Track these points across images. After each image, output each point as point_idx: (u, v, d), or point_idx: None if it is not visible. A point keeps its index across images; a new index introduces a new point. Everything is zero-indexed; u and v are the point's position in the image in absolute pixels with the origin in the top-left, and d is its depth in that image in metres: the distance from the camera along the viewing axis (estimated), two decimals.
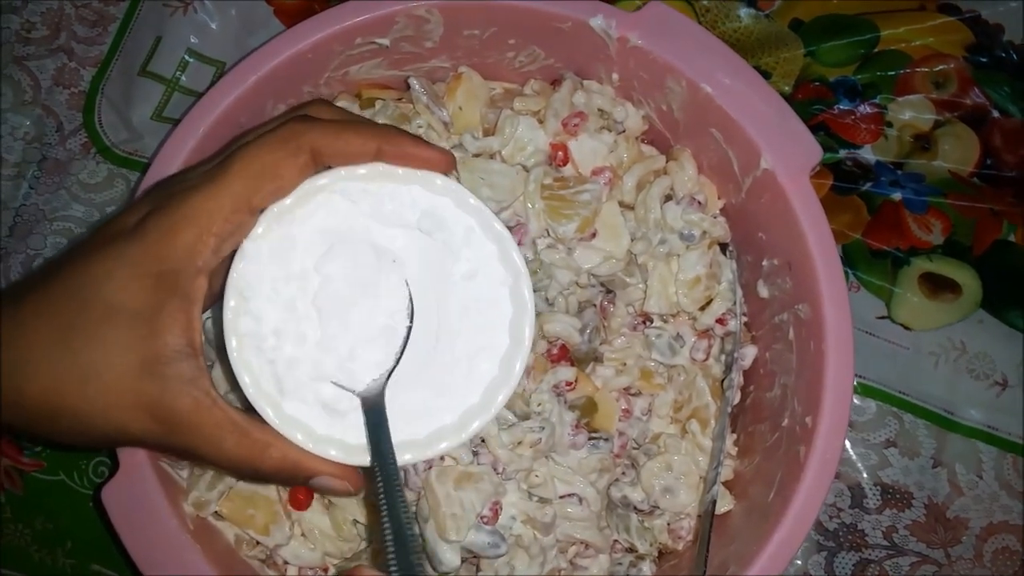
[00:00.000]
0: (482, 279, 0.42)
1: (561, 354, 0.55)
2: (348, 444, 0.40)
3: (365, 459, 0.39)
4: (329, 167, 0.41)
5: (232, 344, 0.39)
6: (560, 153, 0.56)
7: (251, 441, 0.38)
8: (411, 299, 0.42)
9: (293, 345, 0.40)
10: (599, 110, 0.57)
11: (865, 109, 0.69)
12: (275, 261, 0.40)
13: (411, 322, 0.42)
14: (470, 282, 0.42)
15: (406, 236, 0.42)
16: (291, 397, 0.39)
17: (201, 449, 0.38)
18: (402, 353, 0.41)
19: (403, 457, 0.40)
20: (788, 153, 0.51)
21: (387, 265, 0.42)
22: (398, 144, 0.40)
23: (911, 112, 0.69)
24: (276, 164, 0.38)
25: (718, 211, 0.58)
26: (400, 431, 0.40)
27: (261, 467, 0.39)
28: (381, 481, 0.37)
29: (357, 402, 0.40)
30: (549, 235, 0.54)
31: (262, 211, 0.39)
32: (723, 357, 0.57)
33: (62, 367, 0.37)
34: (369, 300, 0.41)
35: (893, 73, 0.69)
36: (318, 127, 0.39)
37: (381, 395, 0.40)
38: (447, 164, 0.42)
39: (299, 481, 0.40)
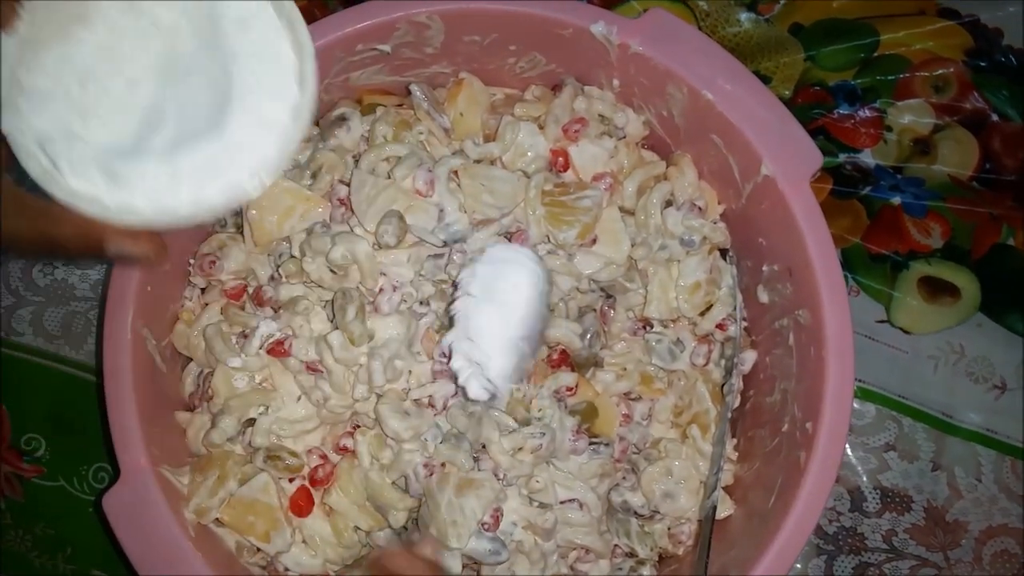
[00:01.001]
0: (258, 26, 0.41)
1: (561, 359, 0.55)
2: (142, 210, 0.39)
3: (161, 220, 0.39)
4: None
5: (10, 132, 0.39)
6: (561, 159, 0.56)
7: (42, 215, 0.39)
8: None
9: (75, 124, 0.40)
10: (600, 116, 0.57)
11: (865, 113, 0.69)
12: (48, 55, 0.39)
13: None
14: (245, 31, 0.41)
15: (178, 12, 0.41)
16: (74, 174, 0.39)
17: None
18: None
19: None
20: (789, 159, 0.51)
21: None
22: None
23: (910, 116, 0.69)
24: None
25: (718, 217, 0.58)
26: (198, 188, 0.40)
27: (55, 238, 0.39)
28: None
29: (141, 170, 0.40)
30: (549, 241, 0.54)
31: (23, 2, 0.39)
32: (723, 362, 0.57)
33: None
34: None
35: (893, 77, 0.70)
36: None
37: None
38: None
39: (94, 249, 0.40)
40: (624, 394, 0.56)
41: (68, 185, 0.40)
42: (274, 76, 0.41)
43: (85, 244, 0.40)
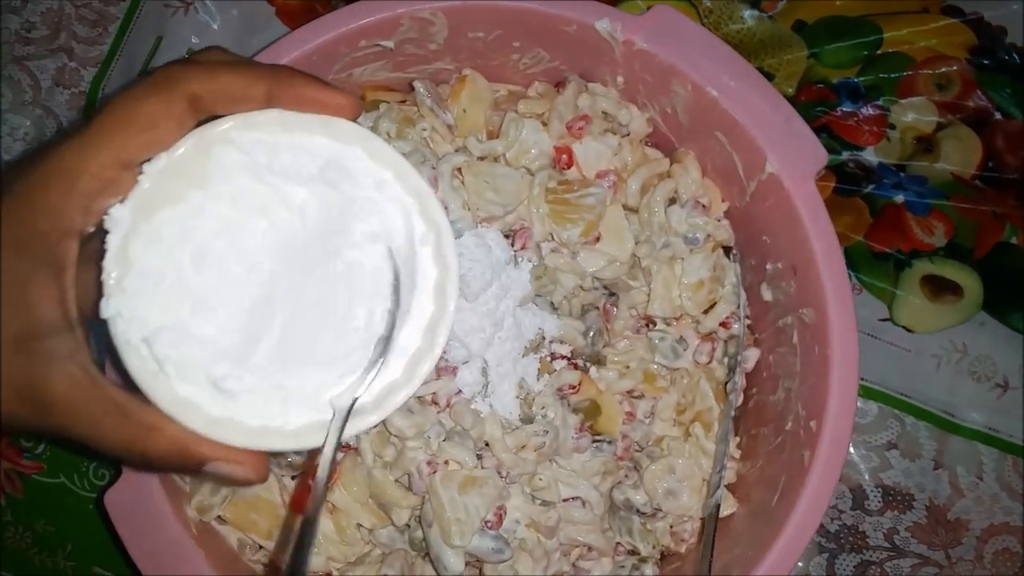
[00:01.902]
0: (400, 237, 0.38)
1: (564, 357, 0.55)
2: (247, 426, 0.36)
3: (265, 443, 0.36)
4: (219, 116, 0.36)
5: (112, 319, 0.35)
6: (564, 156, 0.55)
7: (134, 423, 0.34)
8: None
9: (191, 318, 0.36)
10: (603, 113, 0.57)
11: (868, 111, 0.69)
12: (165, 224, 0.35)
13: (392, 316, 0.37)
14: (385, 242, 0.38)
15: (307, 191, 0.37)
16: (181, 377, 0.35)
17: (79, 431, 0.34)
18: (378, 363, 0.37)
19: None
20: (793, 157, 0.51)
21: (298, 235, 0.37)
22: (292, 86, 0.36)
23: (914, 114, 0.69)
24: (149, 113, 0.34)
25: (722, 214, 0.58)
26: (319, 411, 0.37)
27: (146, 451, 0.35)
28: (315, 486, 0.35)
29: (251, 382, 0.36)
30: (553, 239, 0.54)
31: (144, 165, 0.35)
32: (726, 360, 0.57)
33: None
34: (297, 277, 0.36)
35: (896, 75, 0.69)
36: (196, 69, 0.35)
37: (351, 407, 0.37)
38: (353, 109, 0.37)
39: (191, 467, 0.36)
40: (627, 392, 0.56)
41: (172, 389, 0.35)
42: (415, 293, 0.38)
43: (179, 461, 0.35)
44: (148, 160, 0.35)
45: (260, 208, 0.37)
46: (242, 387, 0.36)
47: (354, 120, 0.37)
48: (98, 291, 0.35)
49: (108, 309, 0.35)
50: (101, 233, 0.35)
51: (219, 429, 0.35)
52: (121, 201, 0.35)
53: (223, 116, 0.36)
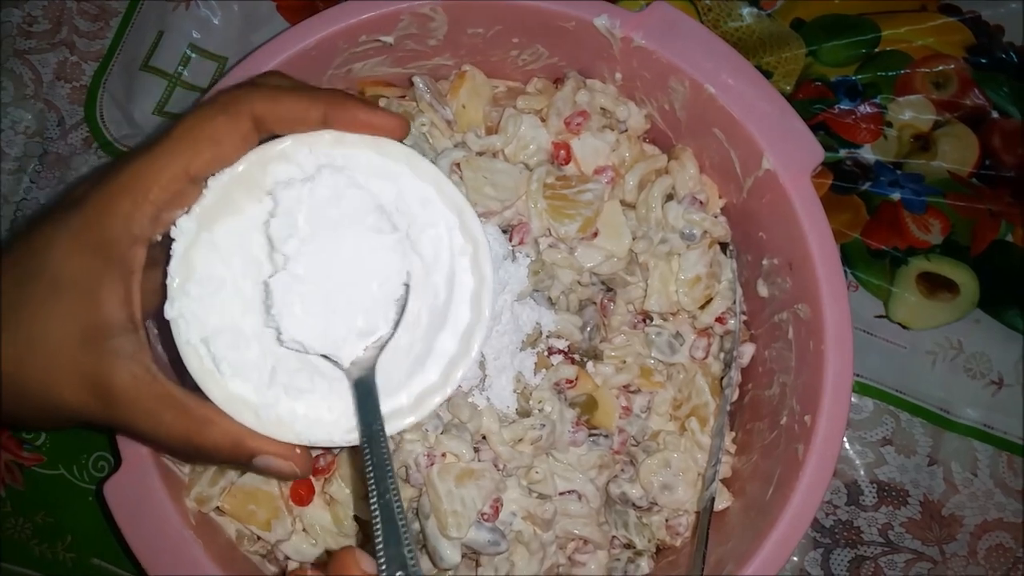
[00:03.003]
0: (442, 250, 0.41)
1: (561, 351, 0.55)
2: (295, 423, 0.38)
3: (310, 439, 0.38)
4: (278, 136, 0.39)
5: (175, 320, 0.38)
6: (563, 152, 0.56)
7: (191, 417, 0.37)
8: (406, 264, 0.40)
9: (243, 319, 0.39)
10: (602, 109, 0.57)
11: (865, 109, 0.69)
12: (224, 234, 0.38)
13: (407, 287, 0.40)
14: (428, 250, 0.41)
15: (353, 204, 0.40)
16: (237, 375, 0.38)
17: (140, 424, 0.37)
18: (399, 322, 0.40)
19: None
20: (790, 154, 0.51)
21: (357, 228, 0.39)
22: (346, 109, 0.39)
23: (911, 112, 0.69)
24: (215, 130, 0.37)
25: (719, 210, 0.58)
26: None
27: (201, 444, 0.37)
28: (371, 462, 0.36)
29: (309, 383, 0.39)
30: (551, 234, 0.54)
31: (208, 180, 0.38)
32: (722, 355, 0.58)
33: (12, 340, 0.36)
34: (345, 264, 0.39)
35: (893, 73, 0.70)
36: (259, 92, 0.38)
37: (372, 369, 0.39)
38: (401, 130, 0.40)
39: (242, 460, 0.39)
40: (623, 387, 0.56)
41: (226, 387, 0.38)
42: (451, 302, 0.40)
43: (231, 453, 0.38)
44: (213, 174, 0.38)
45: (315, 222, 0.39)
46: (296, 387, 0.39)
47: (402, 140, 0.40)
48: (162, 295, 0.38)
49: (171, 311, 0.37)
50: (166, 241, 0.38)
51: (269, 425, 0.38)
52: (187, 212, 0.38)
53: (282, 135, 0.39)
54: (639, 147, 0.58)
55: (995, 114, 0.69)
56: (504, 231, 0.54)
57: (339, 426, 0.39)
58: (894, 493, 0.63)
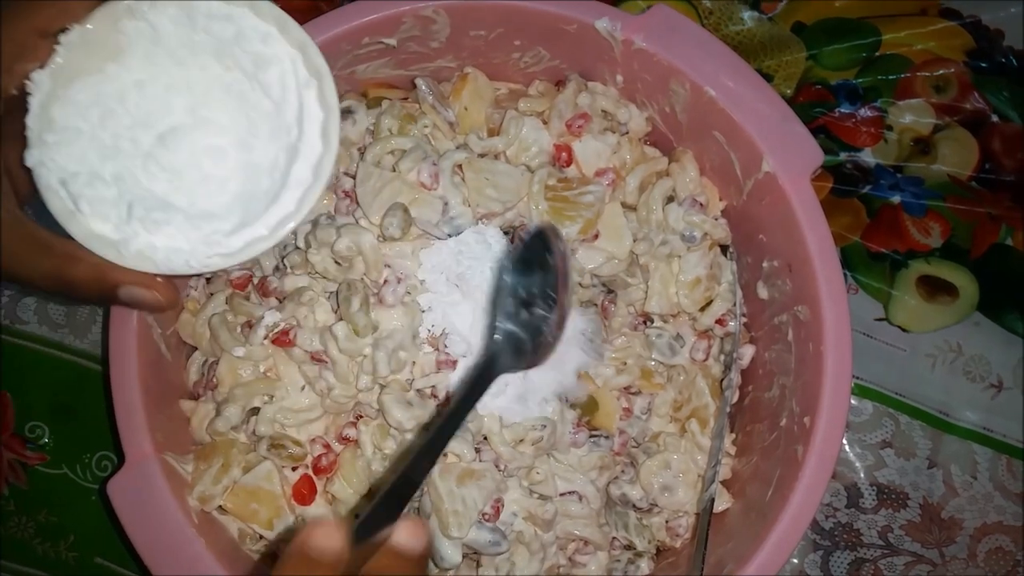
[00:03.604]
0: (288, 84, 0.42)
1: None
2: (155, 254, 0.41)
3: (170, 268, 0.41)
4: None
5: (35, 167, 0.40)
6: (564, 154, 0.56)
7: (56, 255, 0.39)
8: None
9: (101, 165, 0.41)
10: (603, 111, 0.58)
11: (865, 112, 0.70)
12: (81, 90, 0.40)
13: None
14: (275, 88, 0.42)
15: (203, 50, 0.42)
16: (96, 214, 0.40)
17: (8, 265, 0.39)
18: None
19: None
20: (790, 156, 0.52)
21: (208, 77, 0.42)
22: None
23: (911, 116, 0.70)
24: None
25: (719, 213, 0.58)
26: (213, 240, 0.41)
27: (68, 280, 0.40)
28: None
29: (164, 218, 0.41)
30: None
31: (60, 37, 0.40)
32: (723, 357, 0.58)
33: None
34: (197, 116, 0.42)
35: (894, 77, 0.70)
36: None
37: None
38: None
39: (107, 293, 0.41)
40: (624, 388, 0.56)
41: (87, 226, 0.40)
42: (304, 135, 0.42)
43: (98, 288, 0.40)
44: (63, 30, 0.40)
45: (165, 72, 0.42)
46: (152, 223, 0.41)
47: None
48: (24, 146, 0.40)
49: (31, 158, 0.40)
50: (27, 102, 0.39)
51: (130, 259, 0.40)
52: (41, 67, 0.40)
53: None
54: (640, 149, 0.59)
55: (995, 118, 0.69)
56: (506, 232, 0.55)
57: (196, 254, 0.41)
58: (894, 496, 0.63)
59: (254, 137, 0.43)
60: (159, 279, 0.41)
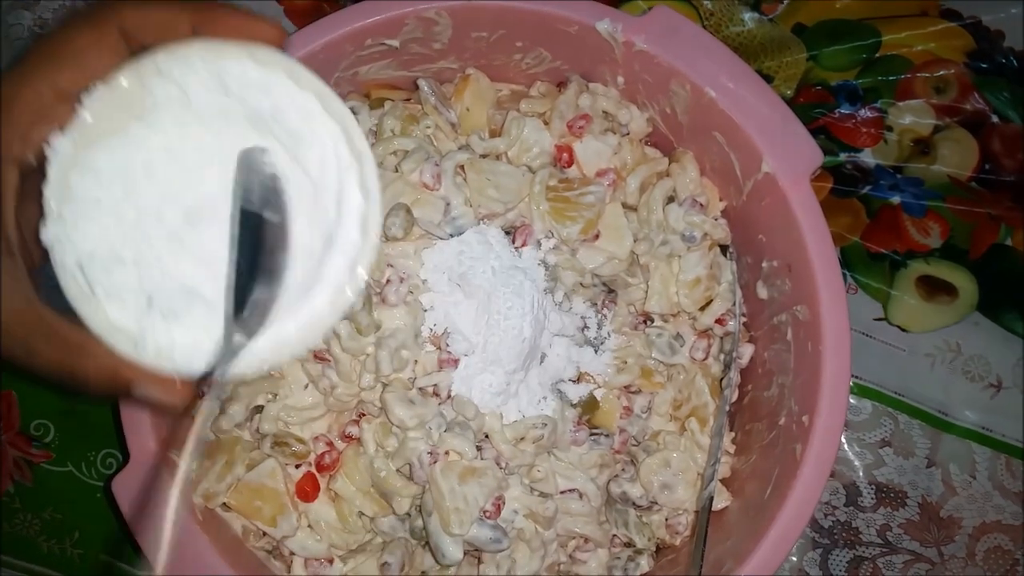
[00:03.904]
0: (328, 165, 0.38)
1: None
2: (173, 351, 0.37)
3: (190, 369, 0.37)
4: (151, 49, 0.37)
5: (51, 244, 0.36)
6: (565, 154, 0.56)
7: (67, 346, 0.36)
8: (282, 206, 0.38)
9: (121, 244, 0.37)
10: (604, 112, 0.58)
11: (866, 113, 0.70)
12: (103, 155, 0.37)
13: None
14: (315, 168, 0.38)
15: (237, 120, 0.38)
16: (113, 300, 0.37)
17: (15, 353, 0.36)
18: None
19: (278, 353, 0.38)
20: (790, 157, 0.52)
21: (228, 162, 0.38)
22: (216, 16, 0.37)
23: (911, 117, 0.70)
24: (81, 44, 0.35)
25: (719, 213, 0.59)
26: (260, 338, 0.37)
27: (77, 372, 0.36)
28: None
29: (188, 310, 0.37)
30: (553, 236, 0.55)
31: (83, 98, 0.36)
32: (722, 356, 0.58)
33: None
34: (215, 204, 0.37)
35: (894, 78, 0.70)
36: (125, 3, 0.36)
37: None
38: (278, 37, 0.38)
39: (120, 390, 0.37)
40: (624, 387, 0.57)
41: (104, 313, 0.36)
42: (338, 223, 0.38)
43: (110, 384, 0.37)
44: (85, 91, 0.36)
45: (195, 140, 0.38)
46: (175, 315, 0.37)
47: (279, 47, 0.38)
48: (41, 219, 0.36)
49: (47, 235, 0.36)
50: (45, 164, 0.36)
51: (148, 356, 0.37)
52: (61, 131, 0.36)
53: (153, 47, 0.37)
54: (640, 150, 0.59)
55: (995, 118, 0.69)
56: (507, 233, 0.55)
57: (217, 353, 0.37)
58: (892, 494, 0.64)
59: (291, 220, 0.38)
60: (176, 380, 0.38)
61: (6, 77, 0.36)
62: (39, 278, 0.38)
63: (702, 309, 0.57)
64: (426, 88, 0.57)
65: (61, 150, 0.36)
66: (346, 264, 0.38)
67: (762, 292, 0.56)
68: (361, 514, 0.53)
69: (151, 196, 0.37)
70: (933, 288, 0.66)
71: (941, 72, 0.70)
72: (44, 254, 0.37)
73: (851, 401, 0.64)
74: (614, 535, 0.56)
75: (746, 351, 0.57)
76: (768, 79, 0.70)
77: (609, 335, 0.57)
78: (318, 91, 0.38)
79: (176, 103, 0.37)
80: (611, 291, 0.58)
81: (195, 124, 0.38)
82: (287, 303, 0.38)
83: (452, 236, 0.53)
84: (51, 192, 0.36)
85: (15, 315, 0.35)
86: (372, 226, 0.38)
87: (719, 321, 0.57)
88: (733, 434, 0.58)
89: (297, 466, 0.54)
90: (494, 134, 0.58)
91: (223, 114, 0.38)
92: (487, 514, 0.50)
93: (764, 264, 0.55)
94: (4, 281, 0.35)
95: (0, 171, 0.35)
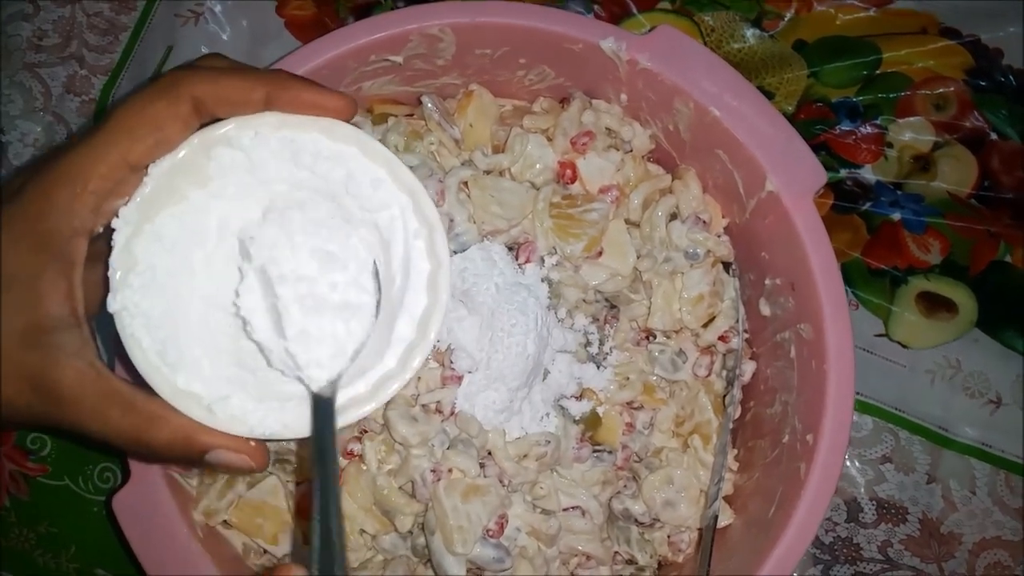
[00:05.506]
0: (396, 233, 0.39)
1: None
2: (247, 416, 0.37)
3: (264, 432, 0.37)
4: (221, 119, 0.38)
5: (118, 313, 0.36)
6: (568, 171, 0.56)
7: (139, 415, 0.36)
8: (376, 271, 0.39)
9: (189, 311, 0.37)
10: (607, 129, 0.58)
11: (866, 130, 0.70)
12: (167, 223, 0.37)
13: (378, 297, 0.38)
14: (386, 240, 0.39)
15: (309, 188, 0.39)
16: (183, 368, 0.36)
17: (86, 424, 0.36)
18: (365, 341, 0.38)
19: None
20: (793, 175, 0.52)
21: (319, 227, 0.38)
22: (288, 89, 0.37)
23: (911, 133, 0.70)
24: (155, 116, 0.36)
25: (722, 230, 0.59)
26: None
27: (151, 442, 0.36)
28: (319, 484, 0.34)
29: (259, 374, 0.37)
30: (556, 252, 0.55)
31: (150, 167, 0.36)
32: (725, 373, 0.58)
33: None
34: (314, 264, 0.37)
35: (894, 95, 0.71)
36: (199, 74, 0.36)
37: (336, 382, 0.37)
38: (348, 110, 0.39)
39: (194, 457, 0.37)
40: (627, 403, 0.57)
41: (173, 381, 0.36)
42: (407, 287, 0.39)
43: (184, 452, 0.36)
44: (154, 161, 0.36)
45: (256, 205, 0.38)
46: (246, 379, 0.37)
47: (349, 120, 0.39)
48: (105, 288, 0.36)
49: (114, 304, 0.36)
50: (108, 233, 0.36)
51: (222, 421, 0.36)
52: (128, 201, 0.36)
53: (224, 119, 0.37)
54: (643, 167, 0.59)
55: (994, 136, 0.70)
56: (510, 249, 0.55)
57: (294, 414, 0.37)
58: (893, 510, 0.64)
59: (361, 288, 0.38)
60: (252, 443, 0.37)
61: (79, 149, 0.35)
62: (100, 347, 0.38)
63: (705, 326, 0.57)
64: (429, 104, 0.57)
65: (129, 220, 0.36)
66: (413, 323, 0.38)
67: (765, 309, 0.56)
68: (363, 531, 0.53)
69: (215, 262, 0.38)
70: (933, 304, 0.67)
71: (941, 89, 0.71)
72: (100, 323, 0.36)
73: (852, 418, 0.64)
74: (616, 552, 0.56)
75: (749, 368, 0.57)
76: (769, 95, 0.71)
77: (611, 351, 0.57)
78: (388, 161, 0.39)
79: (242, 169, 0.38)
80: (614, 307, 0.58)
81: (258, 188, 0.38)
82: (357, 366, 0.38)
83: (456, 253, 0.53)
84: (116, 261, 0.36)
85: (87, 386, 0.35)
86: (442, 287, 0.38)
87: (722, 338, 0.57)
88: (736, 451, 0.58)
89: (299, 483, 0.53)
90: (497, 150, 0.58)
91: (291, 182, 0.38)
92: (490, 533, 0.50)
93: (767, 281, 0.55)
94: (76, 352, 0.35)
95: (71, 244, 0.35)
